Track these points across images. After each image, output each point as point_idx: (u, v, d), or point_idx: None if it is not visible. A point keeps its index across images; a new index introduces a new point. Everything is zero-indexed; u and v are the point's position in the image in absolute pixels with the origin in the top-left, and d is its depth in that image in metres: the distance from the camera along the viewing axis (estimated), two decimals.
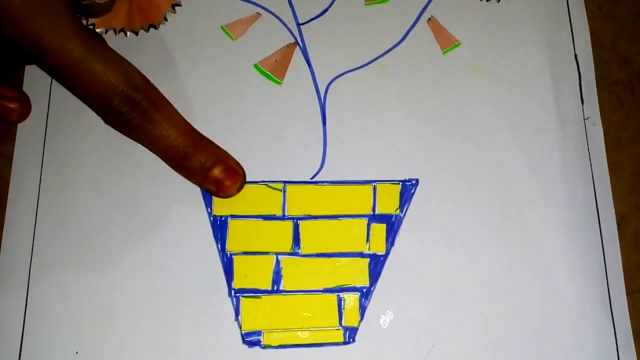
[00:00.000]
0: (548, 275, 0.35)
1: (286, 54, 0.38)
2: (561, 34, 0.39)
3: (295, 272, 0.35)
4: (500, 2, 0.39)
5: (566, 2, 0.39)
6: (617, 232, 0.36)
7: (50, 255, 0.34)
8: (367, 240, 0.35)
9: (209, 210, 0.35)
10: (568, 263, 0.35)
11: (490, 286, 0.34)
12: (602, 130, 0.37)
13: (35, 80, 0.37)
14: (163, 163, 0.35)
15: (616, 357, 0.34)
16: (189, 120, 0.34)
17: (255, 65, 0.38)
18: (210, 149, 0.34)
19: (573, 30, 0.39)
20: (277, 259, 0.35)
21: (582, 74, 0.38)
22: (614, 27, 0.40)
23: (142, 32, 0.38)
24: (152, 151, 0.34)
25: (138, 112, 0.31)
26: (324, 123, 0.37)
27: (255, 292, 0.34)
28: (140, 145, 0.35)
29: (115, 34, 0.38)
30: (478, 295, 0.34)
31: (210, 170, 0.33)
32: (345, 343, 0.34)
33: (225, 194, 0.34)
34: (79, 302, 0.34)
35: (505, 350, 0.34)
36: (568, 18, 0.39)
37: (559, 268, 0.35)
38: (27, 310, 0.34)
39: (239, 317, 0.34)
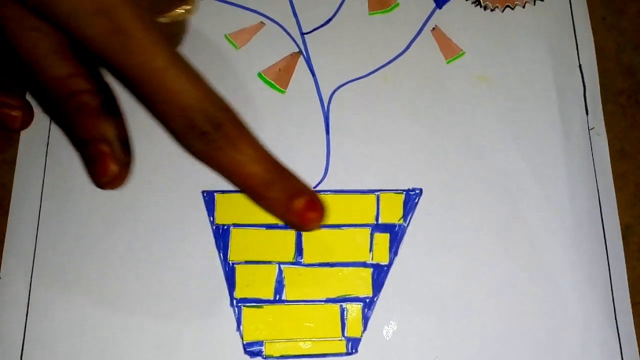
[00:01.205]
0: (553, 286, 0.34)
1: (290, 63, 0.38)
2: (565, 44, 0.39)
3: (298, 282, 0.34)
4: (504, 12, 0.39)
5: (570, 13, 0.39)
6: (622, 242, 0.36)
7: (52, 263, 0.34)
8: (371, 250, 0.35)
9: (211, 219, 0.35)
10: (573, 274, 0.35)
11: (495, 297, 0.34)
12: (606, 141, 0.37)
13: None
14: (166, 171, 0.35)
15: None
16: None
17: (259, 74, 0.38)
18: (294, 180, 0.30)
19: (577, 41, 0.39)
20: (279, 268, 0.35)
21: (586, 85, 0.38)
22: (618, 38, 0.40)
23: None
24: (228, 179, 0.29)
25: (222, 134, 0.27)
26: (328, 132, 0.37)
27: (257, 302, 0.34)
28: (143, 154, 0.35)
29: None
30: (482, 306, 0.34)
31: (294, 201, 0.29)
32: (347, 354, 0.33)
33: (308, 227, 0.30)
34: (80, 310, 0.33)
35: None
36: (572, 28, 0.39)
37: (563, 279, 0.35)
38: (28, 319, 0.33)
39: (241, 327, 0.34)
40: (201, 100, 0.26)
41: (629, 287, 0.35)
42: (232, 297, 0.34)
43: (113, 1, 0.24)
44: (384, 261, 0.35)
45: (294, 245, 0.35)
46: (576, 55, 0.39)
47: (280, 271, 0.35)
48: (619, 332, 0.34)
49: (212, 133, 0.27)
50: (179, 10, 0.31)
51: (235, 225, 0.35)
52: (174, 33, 0.33)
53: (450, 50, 0.39)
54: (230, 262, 0.35)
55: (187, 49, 0.38)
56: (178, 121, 0.27)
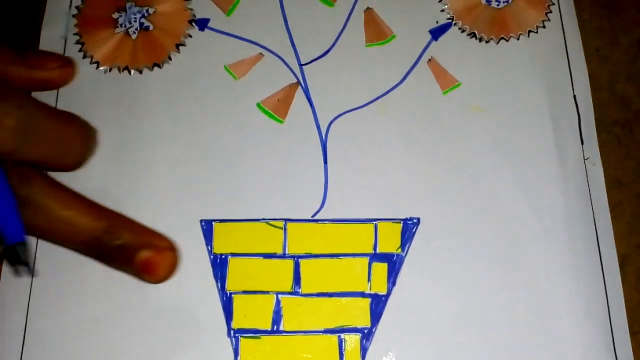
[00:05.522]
0: (550, 316, 0.34)
1: (288, 94, 0.39)
2: (560, 75, 0.39)
3: (296, 312, 0.34)
4: (499, 43, 0.40)
5: (564, 44, 0.40)
6: (619, 272, 0.36)
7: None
8: (369, 279, 0.35)
9: (209, 248, 0.35)
10: (570, 304, 0.35)
11: (493, 328, 0.34)
12: (602, 171, 0.38)
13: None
14: (164, 200, 0.35)
15: None
16: (190, 158, 0.33)
17: (258, 105, 0.38)
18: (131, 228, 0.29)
19: (572, 72, 0.39)
20: (277, 298, 0.34)
21: (581, 115, 0.39)
22: (612, 69, 0.40)
23: (146, 70, 0.39)
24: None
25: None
26: (325, 162, 0.37)
27: (255, 332, 0.34)
28: (142, 183, 0.35)
29: (120, 72, 0.39)
30: (480, 336, 0.34)
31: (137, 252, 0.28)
32: None
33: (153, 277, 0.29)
34: (76, 339, 0.33)
35: None
36: (567, 60, 0.40)
37: (561, 309, 0.35)
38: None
39: (238, 358, 0.33)
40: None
41: (627, 317, 0.35)
42: (229, 328, 0.34)
43: None
44: (382, 291, 0.35)
45: (291, 275, 0.35)
46: (571, 85, 0.39)
47: (278, 301, 0.34)
48: None
49: None
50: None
51: (233, 254, 0.35)
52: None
53: (446, 81, 0.39)
54: (227, 291, 0.34)
55: (188, 81, 0.39)
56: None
